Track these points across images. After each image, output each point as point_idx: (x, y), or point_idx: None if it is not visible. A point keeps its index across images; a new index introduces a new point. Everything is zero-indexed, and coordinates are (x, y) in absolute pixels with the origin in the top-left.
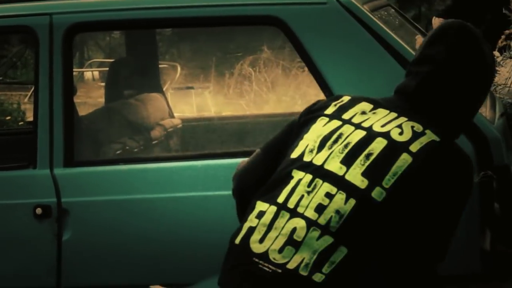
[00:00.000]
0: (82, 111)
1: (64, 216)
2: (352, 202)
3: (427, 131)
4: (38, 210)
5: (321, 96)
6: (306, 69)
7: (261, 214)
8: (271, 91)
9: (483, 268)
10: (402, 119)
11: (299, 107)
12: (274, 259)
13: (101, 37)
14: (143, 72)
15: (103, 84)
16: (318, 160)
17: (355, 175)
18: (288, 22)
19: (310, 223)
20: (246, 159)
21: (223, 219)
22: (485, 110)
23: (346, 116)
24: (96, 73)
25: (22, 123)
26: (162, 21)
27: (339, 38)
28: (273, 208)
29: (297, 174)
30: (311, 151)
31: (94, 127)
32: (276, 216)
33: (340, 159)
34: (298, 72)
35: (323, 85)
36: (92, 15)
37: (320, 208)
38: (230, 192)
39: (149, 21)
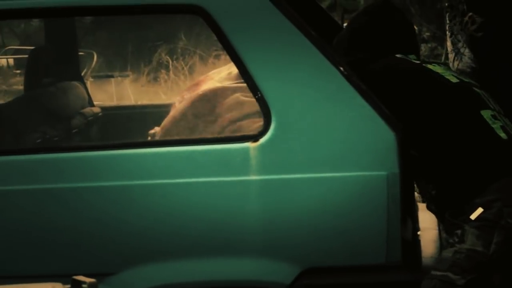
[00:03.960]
0: (0, 99)
1: None
2: None
3: None
4: None
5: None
6: (223, 57)
7: None
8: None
9: (403, 258)
10: None
11: None
12: None
13: (16, 24)
14: (63, 60)
15: (19, 71)
16: None
17: None
18: (209, 10)
19: None
20: None
21: (146, 208)
22: None
23: None
24: (11, 60)
25: None
26: (83, 9)
27: (261, 26)
28: None
29: None
30: None
31: (14, 115)
32: None
33: None
34: (215, 61)
35: (245, 74)
36: (9, 3)
37: None
38: (154, 181)
39: (68, 9)
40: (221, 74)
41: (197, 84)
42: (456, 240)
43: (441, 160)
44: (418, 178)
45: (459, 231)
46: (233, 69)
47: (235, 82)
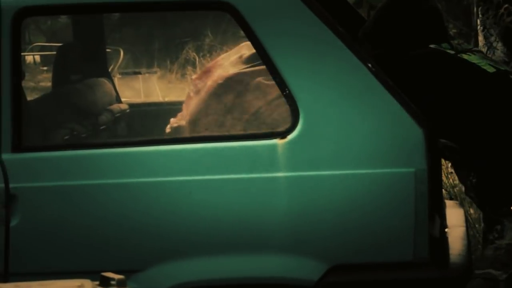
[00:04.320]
0: (27, 95)
1: (13, 201)
2: None
3: None
4: None
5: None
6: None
7: None
8: None
9: (430, 255)
10: None
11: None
12: None
13: (42, 21)
14: (90, 57)
15: (45, 68)
16: None
17: None
18: (238, 7)
19: None
20: None
21: (173, 205)
22: None
23: None
24: (37, 57)
25: None
26: (111, 6)
27: (289, 22)
28: None
29: None
30: None
31: (42, 112)
32: None
33: None
34: None
35: (273, 71)
36: None
37: None
38: (180, 178)
39: (97, 6)
40: (231, 59)
41: (208, 71)
42: (496, 235)
43: (482, 150)
44: (458, 167)
45: (498, 227)
46: (243, 52)
47: (249, 65)
